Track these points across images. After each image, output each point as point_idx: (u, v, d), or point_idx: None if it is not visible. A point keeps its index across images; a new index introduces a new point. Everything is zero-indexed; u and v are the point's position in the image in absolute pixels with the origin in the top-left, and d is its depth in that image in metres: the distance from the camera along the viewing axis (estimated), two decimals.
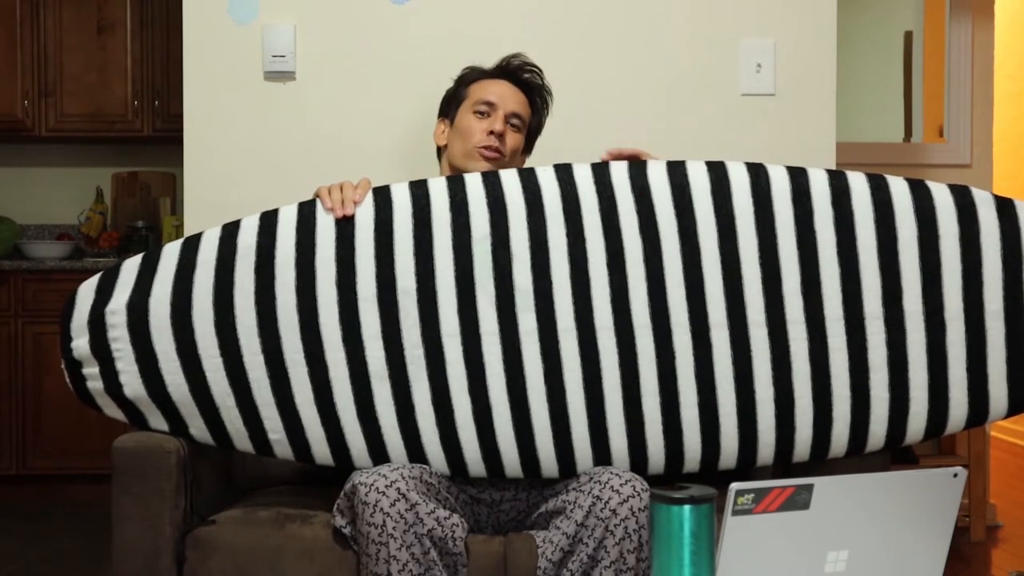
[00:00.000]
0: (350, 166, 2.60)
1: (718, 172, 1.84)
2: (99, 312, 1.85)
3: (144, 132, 4.27)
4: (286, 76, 2.59)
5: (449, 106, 2.17)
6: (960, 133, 3.74)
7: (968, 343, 1.83)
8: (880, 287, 1.82)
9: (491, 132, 2.07)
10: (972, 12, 3.71)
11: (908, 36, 3.90)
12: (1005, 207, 1.84)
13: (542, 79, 2.20)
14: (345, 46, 2.60)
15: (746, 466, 1.87)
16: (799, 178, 1.84)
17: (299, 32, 2.59)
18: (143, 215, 4.49)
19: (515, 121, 2.12)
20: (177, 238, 4.26)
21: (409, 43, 2.60)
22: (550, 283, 1.81)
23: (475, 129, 2.08)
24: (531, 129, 2.18)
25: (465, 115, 2.11)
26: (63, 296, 3.92)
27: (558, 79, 2.34)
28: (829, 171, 1.85)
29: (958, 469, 1.30)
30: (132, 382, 1.85)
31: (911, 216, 1.83)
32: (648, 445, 1.83)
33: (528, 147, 2.20)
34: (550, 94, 2.22)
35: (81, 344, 1.86)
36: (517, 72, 2.17)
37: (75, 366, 1.88)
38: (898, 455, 3.46)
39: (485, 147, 2.07)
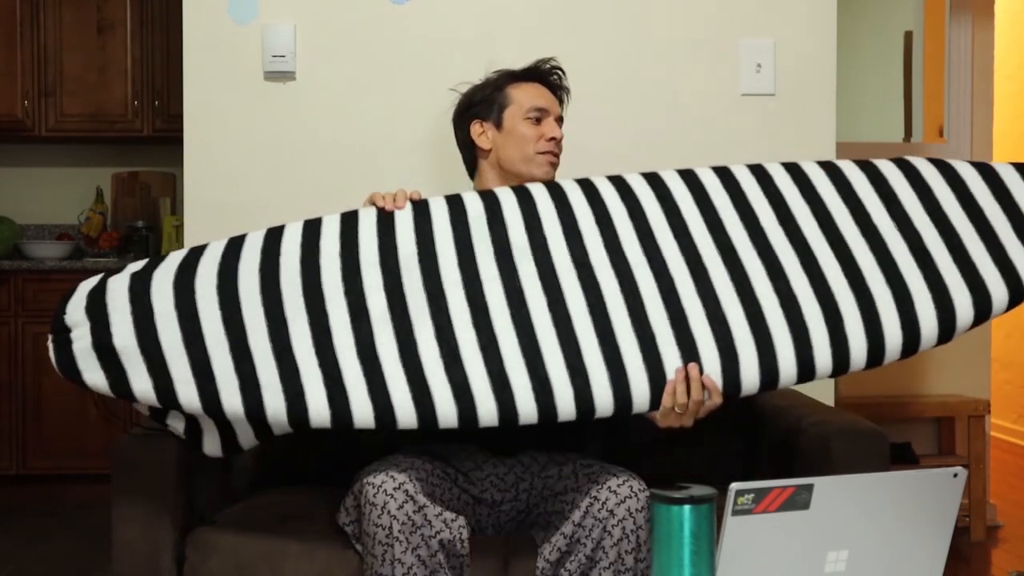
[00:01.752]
0: (350, 166, 2.61)
1: (691, 173, 2.00)
2: (101, 284, 1.81)
3: (144, 132, 4.27)
4: (286, 76, 2.60)
5: (488, 110, 2.17)
6: (960, 133, 3.74)
7: (947, 245, 1.89)
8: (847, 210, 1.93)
9: (552, 138, 2.14)
10: (972, 12, 3.71)
11: (908, 36, 3.90)
12: (939, 161, 1.98)
13: (562, 80, 2.25)
14: (345, 46, 2.60)
15: (770, 372, 1.82)
16: (759, 170, 1.99)
17: (299, 32, 2.59)
18: (143, 215, 4.49)
19: (559, 124, 2.20)
20: (177, 238, 4.30)
21: (409, 43, 2.60)
22: (544, 239, 1.88)
23: (532, 135, 2.14)
24: None
25: (517, 121, 2.14)
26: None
27: None
28: (785, 163, 1.99)
29: (958, 469, 1.30)
30: (123, 332, 1.77)
31: (856, 166, 1.99)
32: (662, 356, 1.80)
33: None
34: (568, 94, 2.27)
35: (76, 308, 1.80)
36: (548, 75, 2.22)
37: (63, 331, 1.80)
38: (898, 455, 3.47)
39: (547, 152, 2.13)
